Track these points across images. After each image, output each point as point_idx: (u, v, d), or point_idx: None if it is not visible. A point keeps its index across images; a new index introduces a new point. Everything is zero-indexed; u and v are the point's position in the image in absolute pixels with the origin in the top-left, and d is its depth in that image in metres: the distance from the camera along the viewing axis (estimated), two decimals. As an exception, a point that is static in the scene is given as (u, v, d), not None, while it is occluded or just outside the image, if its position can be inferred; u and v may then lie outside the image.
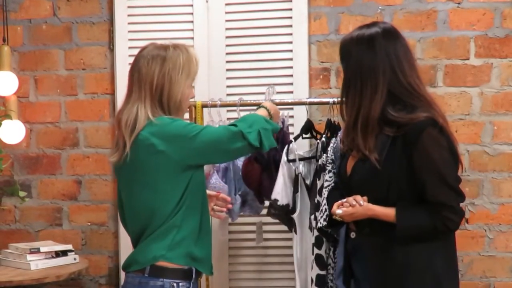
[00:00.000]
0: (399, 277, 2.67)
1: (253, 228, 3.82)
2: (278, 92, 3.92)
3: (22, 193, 4.05)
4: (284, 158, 3.50)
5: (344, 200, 2.72)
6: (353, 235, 2.85)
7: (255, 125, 2.82)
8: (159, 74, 2.78)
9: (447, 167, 2.63)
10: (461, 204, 2.71)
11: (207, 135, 2.76)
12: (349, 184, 2.82)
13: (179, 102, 2.82)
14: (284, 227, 3.59)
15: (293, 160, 3.48)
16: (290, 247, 3.67)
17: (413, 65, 2.75)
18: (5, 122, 3.94)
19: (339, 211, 2.70)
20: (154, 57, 2.81)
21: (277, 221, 3.57)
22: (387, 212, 2.66)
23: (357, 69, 2.70)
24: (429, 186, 2.61)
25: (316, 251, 3.30)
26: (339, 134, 3.39)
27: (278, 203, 3.45)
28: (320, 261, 3.31)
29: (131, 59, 2.92)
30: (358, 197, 2.69)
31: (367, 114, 2.67)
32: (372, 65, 2.67)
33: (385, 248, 2.69)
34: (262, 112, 3.05)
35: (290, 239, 3.63)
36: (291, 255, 3.59)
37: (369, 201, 2.69)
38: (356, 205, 2.67)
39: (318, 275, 3.30)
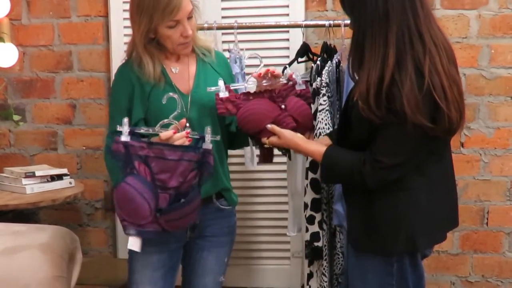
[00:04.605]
0: None
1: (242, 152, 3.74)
2: (274, 15, 3.89)
3: (16, 117, 4.04)
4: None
5: None
6: None
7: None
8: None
9: None
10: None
11: None
12: None
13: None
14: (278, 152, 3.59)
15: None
16: (284, 172, 3.69)
17: None
18: (-2, 45, 3.91)
19: None
20: None
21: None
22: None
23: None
24: None
25: (311, 175, 3.29)
26: (335, 57, 3.35)
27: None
28: (315, 185, 3.30)
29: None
30: None
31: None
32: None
33: None
34: None
35: (284, 163, 3.63)
36: (284, 179, 3.60)
37: None
38: None
39: (313, 199, 3.29)
